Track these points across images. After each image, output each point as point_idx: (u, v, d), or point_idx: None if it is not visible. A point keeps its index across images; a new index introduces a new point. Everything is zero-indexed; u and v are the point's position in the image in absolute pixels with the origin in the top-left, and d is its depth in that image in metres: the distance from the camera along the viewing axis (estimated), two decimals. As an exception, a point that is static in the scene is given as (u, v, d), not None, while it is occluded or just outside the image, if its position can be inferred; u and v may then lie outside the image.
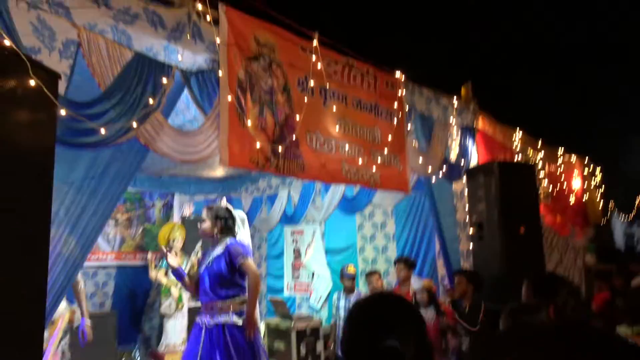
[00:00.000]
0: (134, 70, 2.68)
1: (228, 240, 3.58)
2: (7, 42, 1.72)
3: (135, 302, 6.86)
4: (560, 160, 7.82)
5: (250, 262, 3.47)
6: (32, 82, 1.69)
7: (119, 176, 2.85)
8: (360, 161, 4.00)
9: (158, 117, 2.74)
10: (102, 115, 2.42)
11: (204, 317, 3.59)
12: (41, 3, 2.33)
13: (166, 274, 6.24)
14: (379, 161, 4.16)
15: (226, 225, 3.61)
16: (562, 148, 7.83)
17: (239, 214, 4.83)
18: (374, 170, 4.12)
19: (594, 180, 9.13)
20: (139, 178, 6.70)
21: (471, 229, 4.84)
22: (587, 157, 8.87)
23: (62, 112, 1.93)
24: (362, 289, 6.19)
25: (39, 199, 1.75)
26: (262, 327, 6.35)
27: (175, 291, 6.18)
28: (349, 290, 5.68)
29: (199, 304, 6.80)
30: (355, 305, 1.35)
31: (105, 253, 6.78)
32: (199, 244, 6.51)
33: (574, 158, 8.43)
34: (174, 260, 3.54)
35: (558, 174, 7.76)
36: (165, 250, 3.59)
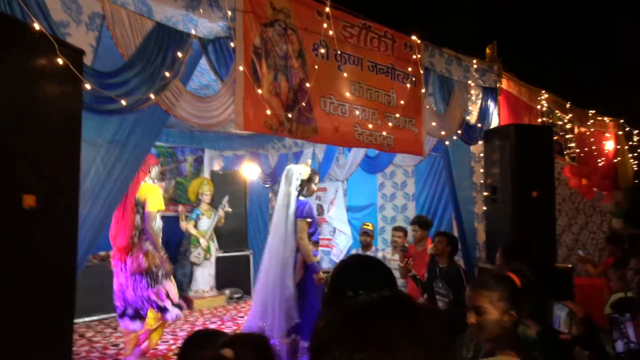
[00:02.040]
0: (155, 40, 2.87)
1: None
2: (36, 26, 1.94)
3: (169, 250, 7.35)
4: (590, 123, 7.64)
5: None
6: (60, 61, 1.93)
7: (144, 136, 3.13)
8: (373, 124, 4.13)
9: (177, 84, 2.95)
10: (125, 83, 2.66)
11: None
12: (68, -21, 2.53)
13: (195, 225, 6.68)
14: (393, 124, 4.28)
15: None
16: (594, 111, 7.63)
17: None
18: (387, 133, 4.25)
19: (630, 143, 8.87)
20: (171, 133, 7.06)
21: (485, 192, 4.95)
22: (622, 120, 8.59)
23: (87, 86, 2.17)
24: (380, 246, 6.46)
25: (69, 162, 2.03)
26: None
27: (203, 242, 6.62)
28: (366, 247, 5.96)
29: (226, 254, 7.27)
30: (336, 265, 1.61)
31: (141, 204, 7.25)
32: (226, 198, 6.89)
33: (607, 120, 8.21)
34: None
35: (588, 136, 7.62)
36: None
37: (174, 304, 4.41)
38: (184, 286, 7.11)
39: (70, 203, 2.07)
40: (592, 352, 1.96)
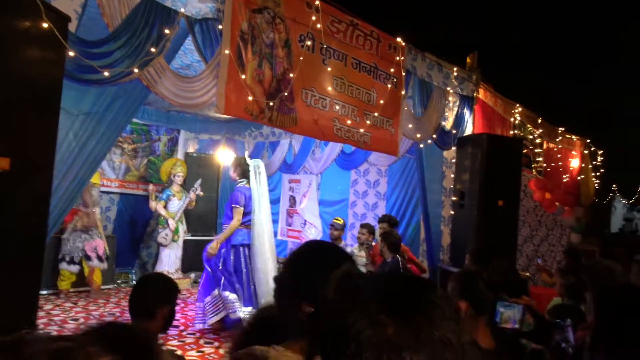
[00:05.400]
0: (142, 14, 2.85)
1: (238, 185, 4.93)
2: (23, -13, 1.92)
3: (135, 229, 7.29)
4: (559, 140, 7.93)
5: (236, 211, 4.71)
6: (45, 25, 1.91)
7: (122, 111, 3.11)
8: (352, 121, 4.20)
9: (161, 61, 2.94)
10: (108, 54, 2.63)
11: None
12: (58, -57, 2.48)
13: (165, 206, 6.61)
14: (371, 123, 4.35)
15: (242, 172, 4.92)
16: (563, 128, 7.92)
17: (254, 162, 5.17)
18: (364, 131, 4.33)
19: (594, 162, 9.23)
20: (147, 110, 6.93)
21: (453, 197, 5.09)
22: (589, 140, 8.93)
23: (71, 53, 2.15)
24: (349, 241, 6.56)
25: (47, 127, 2.01)
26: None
27: (172, 223, 6.57)
28: (335, 241, 6.02)
29: (194, 237, 7.24)
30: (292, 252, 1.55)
31: (110, 180, 7.12)
32: (199, 181, 6.85)
33: (575, 138, 8.53)
34: None
35: (555, 152, 7.90)
36: None
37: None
38: (148, 266, 7.04)
39: (45, 169, 2.05)
40: (545, 345, 2.11)
